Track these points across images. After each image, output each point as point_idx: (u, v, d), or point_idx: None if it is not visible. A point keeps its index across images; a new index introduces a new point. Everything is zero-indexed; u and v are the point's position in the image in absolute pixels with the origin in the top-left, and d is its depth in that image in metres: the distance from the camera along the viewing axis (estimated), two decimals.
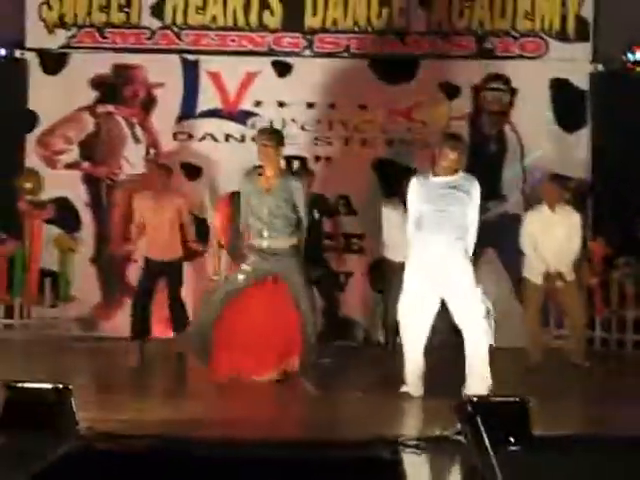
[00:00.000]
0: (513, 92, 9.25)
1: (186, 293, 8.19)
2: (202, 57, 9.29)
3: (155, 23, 9.31)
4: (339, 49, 9.30)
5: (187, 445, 4.77)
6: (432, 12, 9.25)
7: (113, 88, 9.30)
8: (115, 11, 9.30)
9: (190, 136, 9.29)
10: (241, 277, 6.96)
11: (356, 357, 8.46)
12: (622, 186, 8.81)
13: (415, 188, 6.50)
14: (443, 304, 6.49)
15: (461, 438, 4.61)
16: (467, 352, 6.37)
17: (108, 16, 9.29)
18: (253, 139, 8.55)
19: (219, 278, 8.00)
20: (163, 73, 9.26)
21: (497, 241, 8.62)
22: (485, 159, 9.00)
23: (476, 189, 6.50)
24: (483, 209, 6.82)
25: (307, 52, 9.31)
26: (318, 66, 9.25)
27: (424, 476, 4.67)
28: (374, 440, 4.82)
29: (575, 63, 9.16)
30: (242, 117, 9.27)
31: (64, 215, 9.21)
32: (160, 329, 8.16)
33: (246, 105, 9.27)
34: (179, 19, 9.31)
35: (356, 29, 9.27)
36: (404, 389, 6.47)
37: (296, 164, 9.08)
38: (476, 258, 6.81)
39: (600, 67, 9.13)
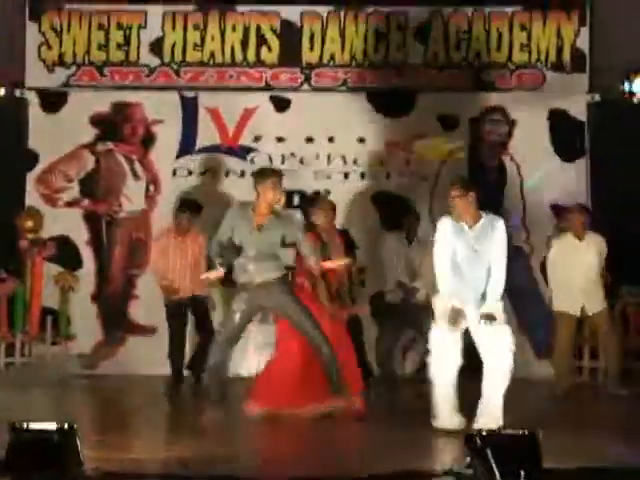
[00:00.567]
0: (511, 123, 9.30)
1: None
2: (201, 93, 9.34)
3: (154, 60, 9.37)
4: (337, 83, 9.35)
5: None
6: (429, 45, 9.32)
7: (112, 125, 9.34)
8: (114, 49, 9.36)
9: (190, 172, 9.32)
10: (236, 319, 6.81)
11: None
12: (621, 215, 8.83)
13: (447, 228, 6.35)
14: None
15: (471, 471, 4.58)
16: (485, 388, 6.24)
17: (107, 54, 9.35)
18: (253, 174, 8.59)
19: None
20: (162, 110, 9.31)
21: None
22: (485, 190, 8.98)
23: (499, 229, 6.42)
24: None
25: (305, 87, 9.36)
26: (316, 100, 9.30)
27: None
28: (384, 475, 4.78)
29: (572, 94, 9.22)
30: (241, 152, 9.31)
31: (65, 253, 9.21)
32: None
33: (245, 140, 9.31)
34: (177, 56, 9.37)
35: (353, 63, 9.34)
36: (437, 423, 6.30)
37: (296, 198, 9.13)
38: None
39: (597, 97, 9.19)
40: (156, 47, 9.36)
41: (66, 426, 4.74)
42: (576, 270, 7.92)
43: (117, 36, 9.35)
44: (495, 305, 6.31)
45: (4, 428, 4.71)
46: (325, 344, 6.70)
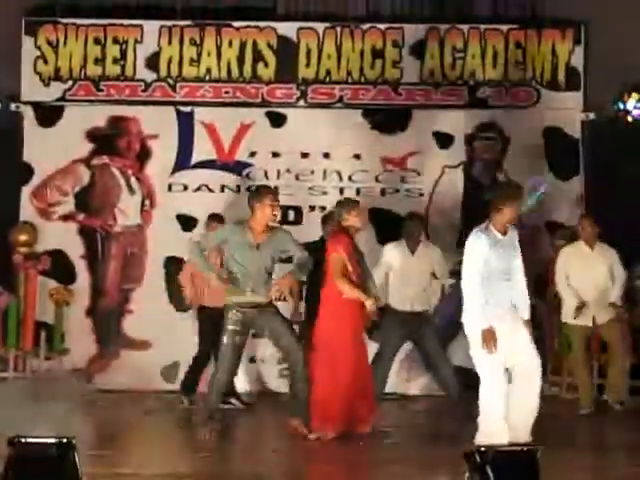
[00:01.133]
0: (506, 141, 9.34)
1: None
2: (197, 108, 9.36)
3: (150, 75, 9.38)
4: (333, 99, 9.38)
5: None
6: (425, 62, 9.36)
7: (108, 140, 9.34)
8: (110, 64, 9.37)
9: (185, 187, 9.33)
10: (230, 339, 6.80)
11: None
12: (616, 233, 8.84)
13: (482, 241, 6.29)
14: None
15: None
16: (517, 404, 6.11)
17: (103, 69, 9.37)
18: (248, 189, 8.63)
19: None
20: (158, 125, 9.32)
21: None
22: (479, 207, 9.01)
23: (517, 238, 6.41)
24: None
25: (301, 103, 9.39)
26: (312, 116, 9.33)
27: None
28: None
29: (567, 112, 9.28)
30: (237, 168, 9.32)
31: (59, 267, 9.19)
32: None
33: (241, 156, 9.32)
34: (174, 71, 9.39)
35: (349, 79, 9.37)
36: (482, 439, 6.04)
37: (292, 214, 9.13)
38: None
39: (592, 115, 9.25)
40: (152, 62, 9.38)
41: (64, 440, 4.73)
42: (587, 279, 7.89)
43: (113, 51, 9.36)
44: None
45: (2, 442, 4.69)
46: (303, 366, 6.70)
